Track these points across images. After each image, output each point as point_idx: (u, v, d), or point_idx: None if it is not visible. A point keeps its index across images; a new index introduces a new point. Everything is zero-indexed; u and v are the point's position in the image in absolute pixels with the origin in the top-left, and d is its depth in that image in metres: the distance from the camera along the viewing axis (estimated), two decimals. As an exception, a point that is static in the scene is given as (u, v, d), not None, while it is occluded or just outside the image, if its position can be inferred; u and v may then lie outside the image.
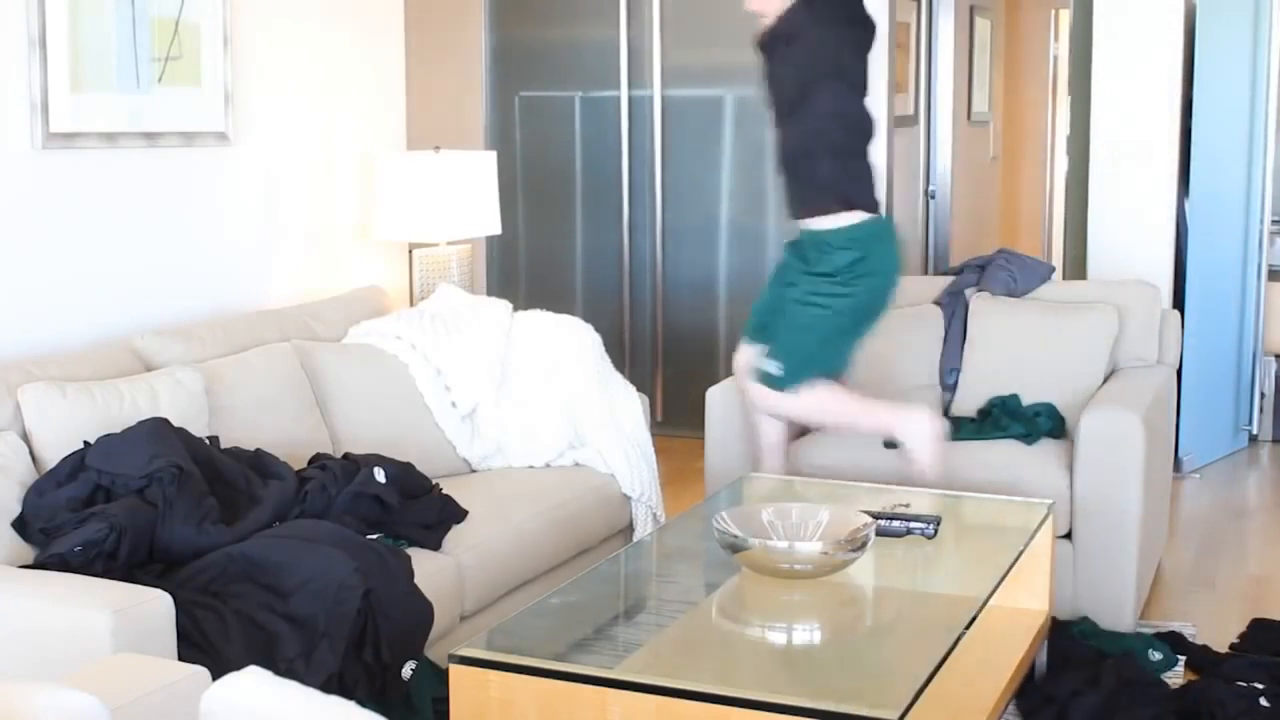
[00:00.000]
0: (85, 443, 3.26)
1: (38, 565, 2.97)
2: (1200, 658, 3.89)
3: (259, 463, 3.53)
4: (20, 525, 3.10)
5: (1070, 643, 3.82)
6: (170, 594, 2.83)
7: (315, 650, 2.93)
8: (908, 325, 4.79)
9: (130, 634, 2.62)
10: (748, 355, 4.20)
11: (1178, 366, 4.83)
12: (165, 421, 3.36)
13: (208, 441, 3.47)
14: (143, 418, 3.38)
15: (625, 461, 4.29)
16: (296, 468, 3.60)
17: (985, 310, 4.73)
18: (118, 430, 3.30)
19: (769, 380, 4.07)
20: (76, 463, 3.20)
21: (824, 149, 3.96)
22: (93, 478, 3.17)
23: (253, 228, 4.46)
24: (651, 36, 6.59)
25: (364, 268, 4.93)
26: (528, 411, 4.29)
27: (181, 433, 3.37)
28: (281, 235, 4.58)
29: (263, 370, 3.85)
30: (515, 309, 4.56)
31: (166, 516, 3.13)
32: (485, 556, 3.66)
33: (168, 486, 3.16)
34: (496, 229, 5.07)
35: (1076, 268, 6.24)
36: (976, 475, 4.17)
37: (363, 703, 2.39)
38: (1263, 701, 3.52)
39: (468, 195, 4.90)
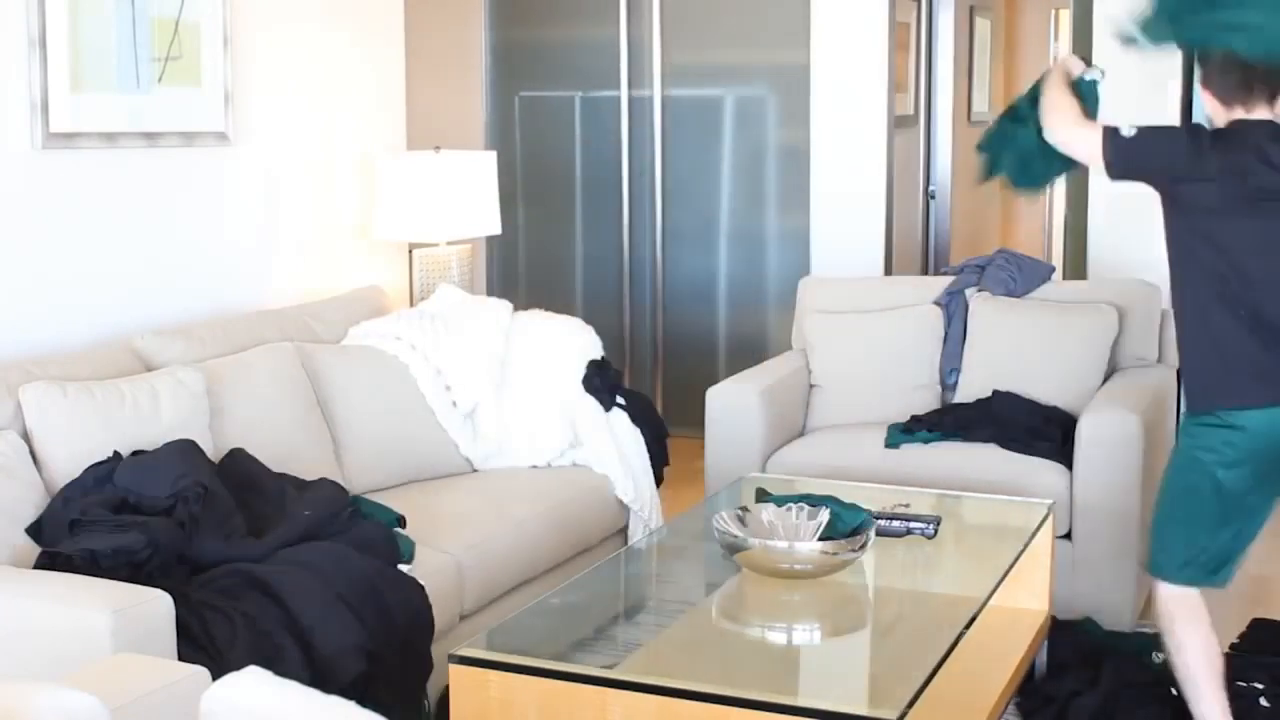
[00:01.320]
0: (116, 453, 3.29)
1: (63, 554, 2.96)
2: (1200, 658, 3.89)
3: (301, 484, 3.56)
4: (35, 529, 3.12)
5: (1070, 643, 3.82)
6: (185, 594, 2.83)
7: (316, 679, 2.93)
8: (908, 325, 4.79)
9: (130, 634, 2.62)
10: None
11: (1178, 366, 4.83)
12: (192, 443, 3.39)
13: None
14: (143, 417, 3.39)
15: (619, 464, 4.29)
16: (297, 469, 3.61)
17: (985, 310, 4.73)
18: (118, 430, 3.32)
19: None
20: (104, 476, 3.21)
21: None
22: (120, 493, 3.18)
23: (253, 228, 4.46)
24: (651, 36, 6.59)
25: (364, 268, 4.93)
26: (528, 411, 4.29)
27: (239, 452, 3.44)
28: (281, 235, 4.58)
29: (263, 370, 3.84)
30: (515, 309, 4.56)
31: (194, 536, 3.14)
32: (485, 556, 3.66)
33: (193, 505, 3.17)
34: (496, 229, 5.07)
35: (1076, 268, 6.24)
36: (976, 475, 4.17)
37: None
38: (1263, 701, 3.53)
39: (468, 195, 4.90)
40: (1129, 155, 3.17)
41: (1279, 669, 3.73)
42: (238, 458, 3.54)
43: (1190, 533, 3.27)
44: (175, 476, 3.22)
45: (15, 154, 3.67)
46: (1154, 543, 3.36)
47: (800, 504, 3.30)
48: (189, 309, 4.19)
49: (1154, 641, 3.90)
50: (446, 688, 2.94)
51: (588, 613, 3.14)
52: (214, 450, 3.53)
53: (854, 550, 3.10)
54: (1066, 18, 7.90)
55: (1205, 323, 3.17)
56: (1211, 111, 3.22)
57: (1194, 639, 3.29)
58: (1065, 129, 3.27)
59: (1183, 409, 3.32)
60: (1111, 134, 3.16)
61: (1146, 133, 3.19)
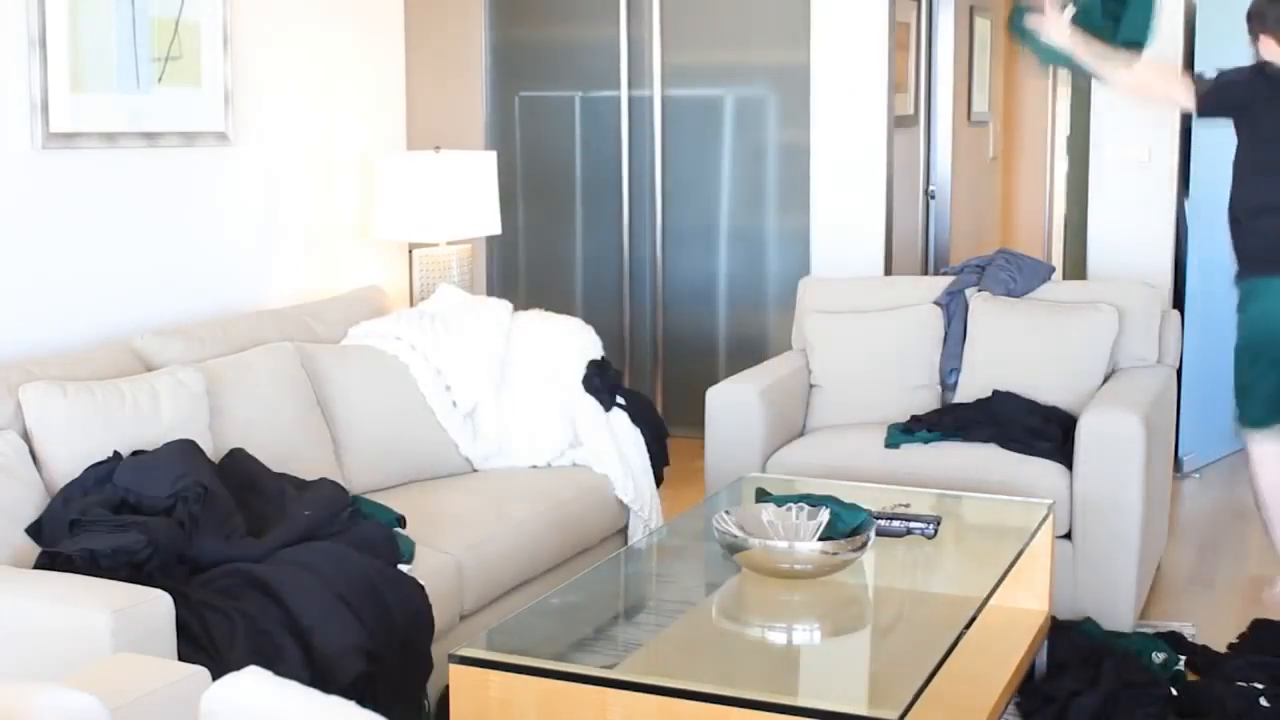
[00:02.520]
0: (116, 453, 3.28)
1: (64, 554, 2.96)
2: (1200, 658, 3.90)
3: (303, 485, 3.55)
4: (35, 529, 3.11)
5: (1070, 643, 3.82)
6: (185, 594, 2.83)
7: (316, 679, 2.92)
8: (908, 325, 4.79)
9: (130, 634, 2.62)
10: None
11: (1178, 366, 4.83)
12: (192, 443, 3.39)
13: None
14: (143, 417, 3.38)
15: (619, 464, 4.29)
16: (297, 469, 3.60)
17: (985, 310, 4.73)
18: (118, 430, 3.31)
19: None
20: (104, 476, 3.21)
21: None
22: (120, 493, 3.18)
23: (253, 228, 4.46)
24: (651, 36, 6.59)
25: (364, 268, 4.93)
26: (528, 411, 4.29)
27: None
28: (281, 235, 4.58)
29: (263, 370, 3.84)
30: (515, 309, 4.56)
31: (194, 536, 3.14)
32: (485, 556, 3.66)
33: (193, 505, 3.17)
34: (496, 229, 5.07)
35: (1076, 268, 6.24)
36: (976, 475, 4.17)
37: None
38: (1263, 701, 3.53)
39: (468, 195, 4.90)
40: (1214, 98, 4.13)
41: (1279, 669, 3.73)
42: (238, 458, 3.54)
43: (1266, 380, 4.20)
44: (175, 476, 3.22)
45: (15, 154, 3.67)
46: (1239, 402, 4.30)
47: (800, 504, 3.30)
48: (189, 309, 4.19)
49: (1156, 642, 3.90)
50: (446, 688, 2.95)
51: (588, 613, 3.14)
52: (214, 450, 3.53)
53: (854, 550, 3.10)
54: (1066, 18, 7.87)
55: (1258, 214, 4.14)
56: (1271, 55, 4.14)
57: (1272, 478, 4.29)
58: (1163, 85, 4.25)
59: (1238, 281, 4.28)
60: (1200, 82, 4.15)
61: (1220, 79, 4.19)
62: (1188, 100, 4.20)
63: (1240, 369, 4.31)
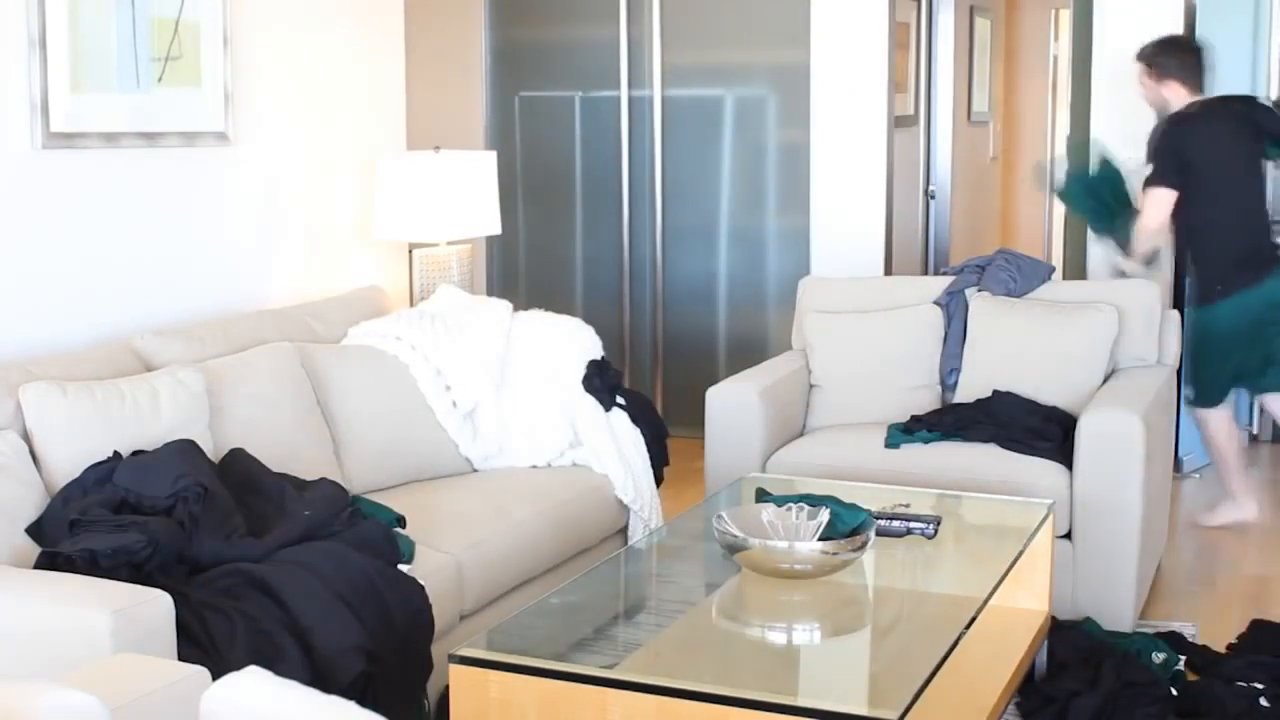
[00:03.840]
0: (116, 453, 3.28)
1: (64, 554, 2.96)
2: (1200, 658, 3.90)
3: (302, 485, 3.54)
4: (35, 529, 3.11)
5: (1070, 643, 3.82)
6: (185, 594, 2.83)
7: (316, 679, 2.92)
8: (908, 325, 4.79)
9: (130, 634, 2.62)
10: None
11: (1178, 366, 4.83)
12: (192, 443, 3.39)
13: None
14: (143, 417, 3.38)
15: (619, 464, 4.29)
16: (297, 469, 3.60)
17: (985, 310, 4.73)
18: (118, 430, 3.31)
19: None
20: (104, 475, 3.21)
21: None
22: (120, 493, 3.18)
23: (253, 228, 4.46)
24: (651, 36, 6.59)
25: (364, 268, 4.93)
26: (528, 411, 4.29)
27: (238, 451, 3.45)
28: (281, 235, 4.58)
29: (263, 370, 3.84)
30: (515, 309, 4.56)
31: (194, 536, 3.14)
32: (485, 556, 3.66)
33: (193, 505, 3.17)
34: (496, 229, 5.07)
35: (1076, 268, 6.24)
36: (976, 475, 4.17)
37: None
38: (1263, 701, 3.53)
39: (468, 195, 4.90)
40: (1164, 179, 4.72)
41: (1279, 669, 3.73)
42: (238, 458, 3.54)
43: (1234, 358, 4.83)
44: (175, 476, 3.22)
45: (15, 154, 3.67)
46: (1199, 384, 4.98)
47: (800, 504, 3.30)
48: (189, 309, 4.19)
49: (1156, 642, 3.90)
50: (446, 688, 2.95)
51: (588, 613, 3.14)
52: (214, 450, 3.53)
53: (854, 550, 3.10)
54: (1066, 18, 7.89)
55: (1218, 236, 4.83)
56: (1173, 97, 4.85)
57: (1223, 429, 5.06)
58: (1145, 217, 4.88)
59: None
60: (1152, 182, 4.78)
61: (1157, 165, 4.79)
62: (1162, 205, 4.83)
63: (1221, 356, 4.94)
